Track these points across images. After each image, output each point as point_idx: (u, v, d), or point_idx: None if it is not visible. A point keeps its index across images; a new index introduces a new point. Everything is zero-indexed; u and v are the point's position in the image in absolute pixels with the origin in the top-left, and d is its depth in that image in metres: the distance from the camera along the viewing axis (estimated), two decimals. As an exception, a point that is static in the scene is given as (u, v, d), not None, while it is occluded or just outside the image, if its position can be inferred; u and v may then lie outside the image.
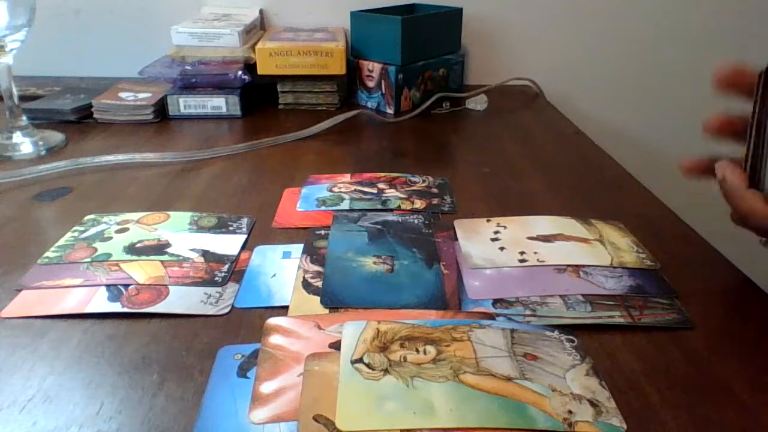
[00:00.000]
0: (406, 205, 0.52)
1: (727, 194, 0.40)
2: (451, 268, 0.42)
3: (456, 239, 0.46)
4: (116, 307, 0.37)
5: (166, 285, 0.40)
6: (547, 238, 0.46)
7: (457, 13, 0.86)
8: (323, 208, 0.51)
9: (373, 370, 0.31)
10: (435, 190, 0.55)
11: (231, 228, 0.48)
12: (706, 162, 0.42)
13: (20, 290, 0.39)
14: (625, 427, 0.29)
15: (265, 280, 0.41)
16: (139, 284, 0.40)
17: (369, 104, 0.82)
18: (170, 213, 0.50)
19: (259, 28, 0.90)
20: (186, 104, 0.76)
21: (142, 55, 0.81)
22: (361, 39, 0.81)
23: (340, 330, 0.35)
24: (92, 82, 0.85)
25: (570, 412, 0.29)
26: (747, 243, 0.43)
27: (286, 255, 0.44)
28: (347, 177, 0.58)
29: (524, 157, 0.65)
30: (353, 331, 0.34)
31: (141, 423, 0.29)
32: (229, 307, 0.38)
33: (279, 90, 0.80)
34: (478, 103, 0.83)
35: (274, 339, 0.34)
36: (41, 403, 0.30)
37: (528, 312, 0.37)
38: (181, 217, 0.49)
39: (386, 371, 0.31)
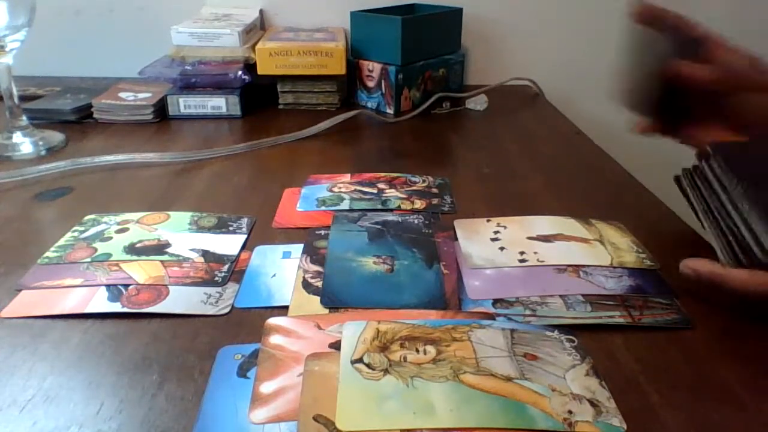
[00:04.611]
0: (406, 205, 0.52)
1: (711, 283, 0.38)
2: (451, 268, 0.42)
3: (456, 239, 0.46)
4: (116, 307, 0.37)
5: (166, 285, 0.40)
6: (547, 238, 0.46)
7: (457, 13, 0.86)
8: (323, 208, 0.51)
9: (373, 370, 0.31)
10: (435, 190, 0.55)
11: (231, 228, 0.48)
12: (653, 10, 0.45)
13: (20, 290, 0.39)
14: (625, 427, 0.29)
15: (265, 280, 0.41)
16: (139, 284, 0.40)
17: (369, 104, 0.82)
18: (170, 213, 0.50)
19: (259, 28, 0.90)
20: (186, 104, 0.76)
21: (142, 55, 0.81)
22: (361, 39, 0.81)
23: (340, 330, 0.35)
24: (92, 82, 0.85)
25: (570, 412, 0.29)
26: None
27: (286, 255, 0.44)
28: (347, 177, 0.58)
29: (524, 157, 0.65)
30: (353, 331, 0.34)
31: (141, 423, 0.29)
32: (229, 307, 0.38)
33: (279, 90, 0.80)
34: (478, 103, 0.83)
35: (274, 339, 0.34)
36: (41, 403, 0.30)
37: (528, 312, 0.37)
38: (181, 217, 0.49)
39: (386, 371, 0.31)
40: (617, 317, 0.37)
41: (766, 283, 0.36)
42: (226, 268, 0.42)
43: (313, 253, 0.44)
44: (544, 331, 0.35)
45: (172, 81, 0.78)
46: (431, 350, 0.33)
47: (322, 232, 0.47)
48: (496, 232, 0.47)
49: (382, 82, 0.79)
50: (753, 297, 0.37)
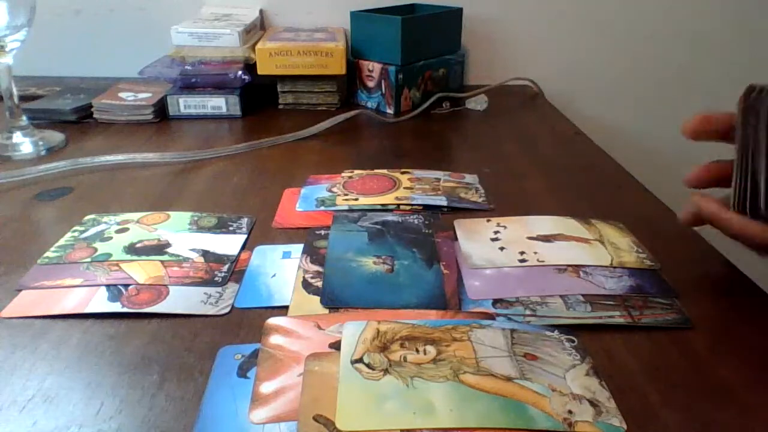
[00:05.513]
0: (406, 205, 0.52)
1: (711, 223, 0.40)
2: (451, 268, 0.42)
3: (456, 239, 0.46)
4: (116, 307, 0.37)
5: (166, 285, 0.40)
6: (547, 238, 0.46)
7: (457, 13, 0.86)
8: (323, 208, 0.51)
9: (373, 370, 0.31)
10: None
11: (231, 228, 0.48)
12: (709, 171, 0.42)
13: (20, 290, 0.39)
14: (625, 427, 0.29)
15: (265, 280, 0.41)
16: (139, 284, 0.40)
17: (369, 104, 0.82)
18: (170, 213, 0.50)
19: (259, 28, 0.90)
20: (186, 104, 0.76)
21: (142, 55, 0.81)
22: (361, 39, 0.81)
23: (340, 330, 0.35)
24: (92, 82, 0.85)
25: (570, 412, 0.29)
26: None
27: (286, 255, 0.44)
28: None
29: (524, 157, 0.65)
30: (353, 331, 0.34)
31: (141, 423, 0.29)
32: (229, 307, 0.38)
33: (279, 90, 0.80)
34: (478, 103, 0.83)
35: (274, 339, 0.34)
36: (41, 403, 0.30)
37: (528, 312, 0.37)
38: (181, 217, 0.49)
39: (386, 371, 0.31)
40: (617, 317, 0.37)
41: (757, 236, 0.37)
42: (226, 268, 0.42)
43: (313, 253, 0.44)
44: (544, 331, 0.35)
45: (172, 81, 0.78)
46: (431, 350, 0.33)
47: (322, 232, 0.47)
48: (496, 232, 0.47)
49: (382, 82, 0.79)
50: (745, 245, 0.39)
